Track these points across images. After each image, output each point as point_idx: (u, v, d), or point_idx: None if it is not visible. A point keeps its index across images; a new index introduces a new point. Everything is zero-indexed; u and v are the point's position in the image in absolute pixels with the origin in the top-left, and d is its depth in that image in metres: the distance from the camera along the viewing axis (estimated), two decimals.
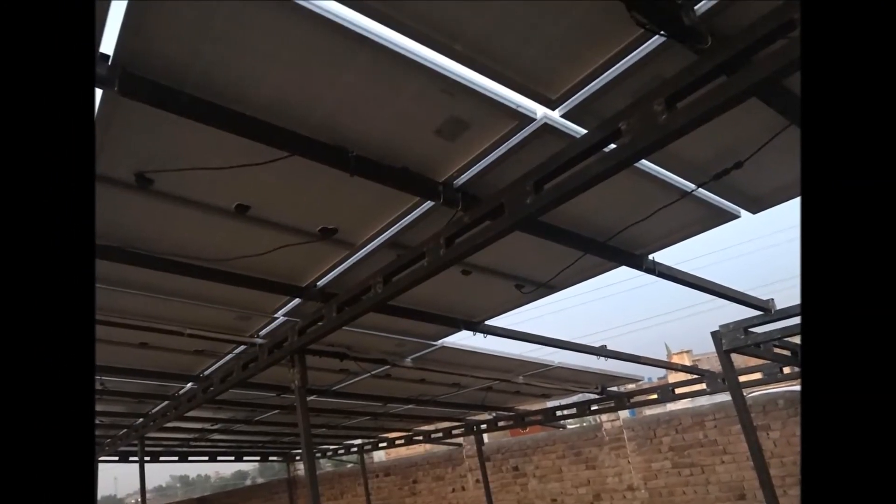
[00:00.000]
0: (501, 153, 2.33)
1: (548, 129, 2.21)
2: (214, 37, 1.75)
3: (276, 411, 6.58)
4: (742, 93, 1.52)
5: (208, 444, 9.19)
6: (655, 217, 2.82)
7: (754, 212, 2.94)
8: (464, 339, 4.66)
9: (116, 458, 8.76)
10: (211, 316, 3.76)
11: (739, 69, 1.53)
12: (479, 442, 8.65)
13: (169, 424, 5.90)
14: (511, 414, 8.03)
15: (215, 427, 7.48)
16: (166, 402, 5.74)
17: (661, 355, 16.83)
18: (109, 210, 2.46)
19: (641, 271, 3.36)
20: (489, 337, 4.28)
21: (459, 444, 9.78)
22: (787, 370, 5.53)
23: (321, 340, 3.31)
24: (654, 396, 6.68)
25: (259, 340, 4.07)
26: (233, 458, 10.81)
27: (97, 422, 6.52)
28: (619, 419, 8.19)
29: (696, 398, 6.78)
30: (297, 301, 3.56)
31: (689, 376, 6.42)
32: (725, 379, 4.68)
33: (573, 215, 2.84)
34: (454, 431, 8.65)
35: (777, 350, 4.60)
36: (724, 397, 6.58)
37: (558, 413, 7.55)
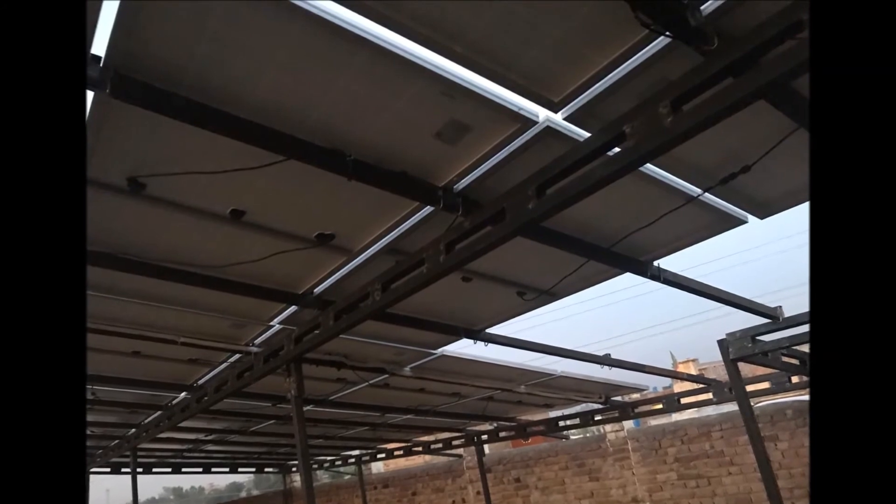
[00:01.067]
0: (503, 157, 2.30)
1: (550, 132, 2.17)
2: (209, 38, 1.72)
3: (272, 422, 6.51)
4: (749, 95, 1.49)
5: (202, 455, 9.11)
6: (660, 223, 2.78)
7: (762, 217, 2.91)
8: (464, 348, 4.61)
9: (108, 470, 8.69)
10: (205, 324, 3.71)
11: (747, 71, 1.50)
12: (480, 453, 8.55)
13: (162, 435, 5.85)
14: (513, 424, 7.96)
15: (209, 438, 7.41)
16: (159, 413, 5.68)
17: (667, 364, 16.76)
18: (101, 215, 2.43)
19: (646, 278, 3.32)
20: (490, 345, 4.24)
21: (460, 455, 9.68)
22: (795, 379, 5.47)
23: (318, 349, 3.26)
24: (660, 406, 6.61)
25: (254, 349, 4.01)
26: (227, 469, 10.73)
27: (88, 432, 6.45)
28: (623, 429, 8.09)
29: (703, 408, 6.71)
30: (293, 308, 3.51)
31: (695, 385, 6.35)
32: (732, 388, 4.62)
33: (576, 221, 2.80)
34: (454, 442, 8.57)
35: (785, 359, 4.54)
36: (731, 407, 6.50)
37: (561, 423, 7.48)
